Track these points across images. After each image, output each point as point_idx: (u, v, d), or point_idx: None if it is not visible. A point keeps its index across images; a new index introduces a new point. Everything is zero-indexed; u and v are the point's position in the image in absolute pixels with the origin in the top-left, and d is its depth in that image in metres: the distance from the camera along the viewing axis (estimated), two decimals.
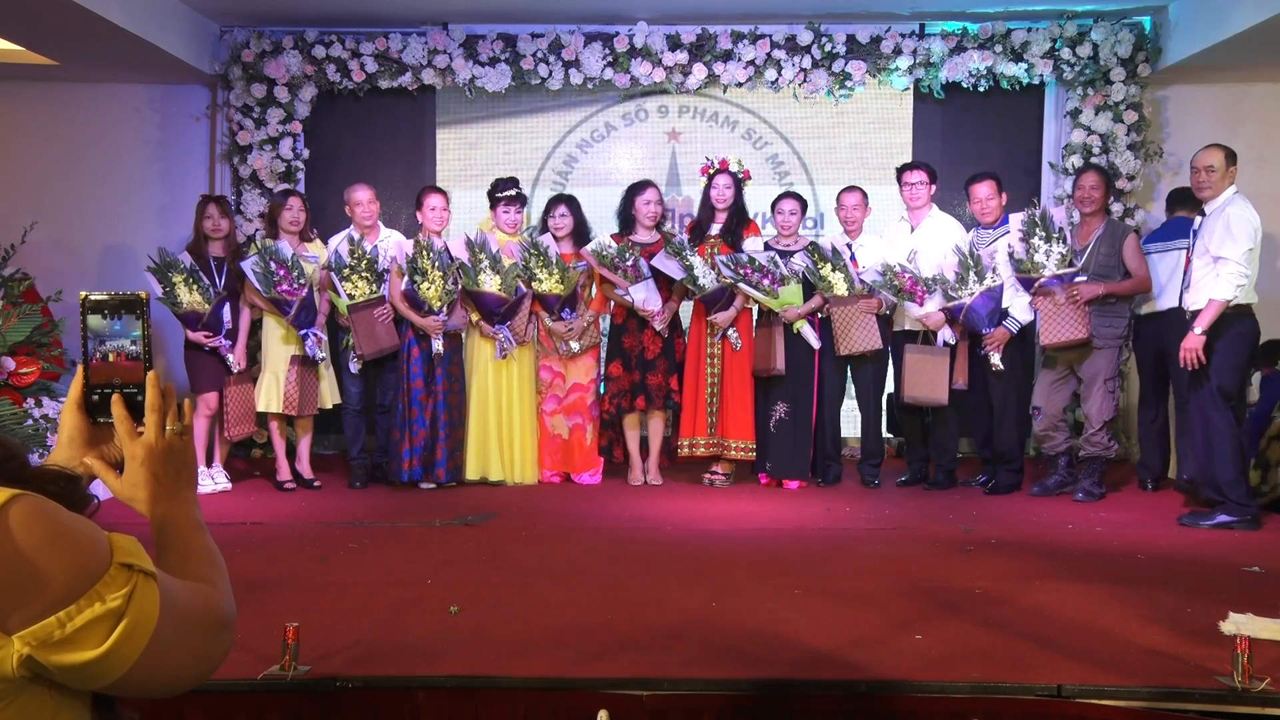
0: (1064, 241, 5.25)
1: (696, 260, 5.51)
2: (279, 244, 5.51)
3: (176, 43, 6.23)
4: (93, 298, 1.20)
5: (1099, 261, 5.35)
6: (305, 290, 5.45)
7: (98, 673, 0.98)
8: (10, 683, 0.96)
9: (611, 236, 5.73)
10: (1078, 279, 5.25)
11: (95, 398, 1.20)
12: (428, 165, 7.06)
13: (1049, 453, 5.57)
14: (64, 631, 0.96)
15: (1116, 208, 6.57)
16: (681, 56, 6.63)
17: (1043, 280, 5.25)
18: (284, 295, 5.40)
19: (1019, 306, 5.39)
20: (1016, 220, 5.41)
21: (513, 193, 5.79)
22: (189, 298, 5.35)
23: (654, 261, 5.58)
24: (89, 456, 1.20)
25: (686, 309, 5.88)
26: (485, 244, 5.59)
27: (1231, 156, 4.84)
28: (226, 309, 5.49)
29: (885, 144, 6.98)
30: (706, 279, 5.50)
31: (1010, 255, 5.34)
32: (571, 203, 5.82)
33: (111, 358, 1.20)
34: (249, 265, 5.41)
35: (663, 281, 5.68)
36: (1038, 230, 5.26)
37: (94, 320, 1.20)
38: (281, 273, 5.40)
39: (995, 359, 5.40)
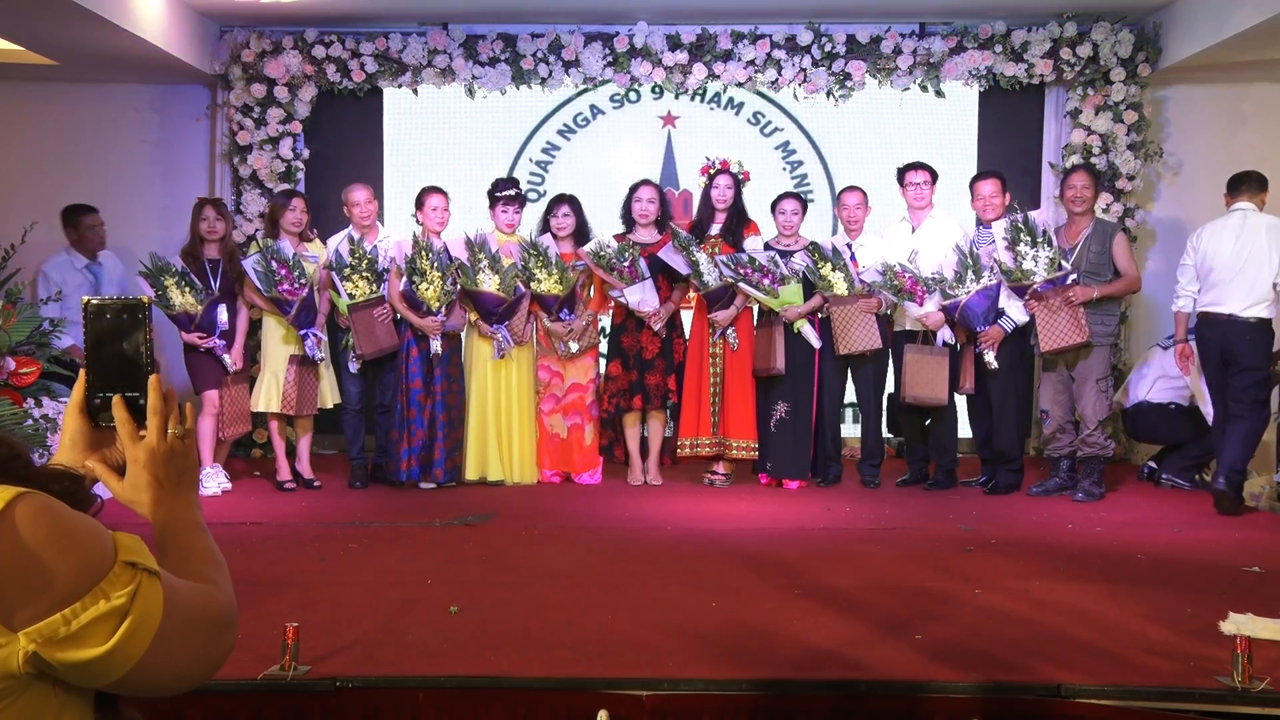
0: (1050, 244, 5.26)
1: (702, 256, 5.51)
2: (280, 243, 5.53)
3: (176, 43, 6.23)
4: (95, 302, 1.21)
5: (1089, 260, 5.36)
6: (305, 290, 5.46)
7: (102, 670, 0.99)
8: (16, 680, 0.97)
9: (614, 236, 5.74)
10: (1069, 279, 5.26)
11: (97, 401, 1.21)
12: (377, 159, 6.93)
13: (1053, 454, 5.57)
14: (69, 629, 0.96)
15: (1117, 208, 6.57)
16: (681, 56, 6.62)
17: (1036, 286, 5.26)
18: (284, 295, 5.40)
19: (1015, 307, 5.38)
20: (1000, 229, 5.41)
21: (511, 193, 5.79)
22: (181, 300, 5.36)
23: (660, 254, 5.58)
24: (91, 460, 1.20)
25: (689, 311, 5.88)
26: (484, 243, 5.60)
27: (1229, 182, 5.40)
28: (221, 310, 5.49)
29: (908, 133, 6.74)
30: (710, 275, 5.50)
31: (999, 266, 5.35)
32: (574, 203, 5.82)
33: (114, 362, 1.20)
34: (250, 264, 5.42)
35: (662, 281, 5.68)
36: (1023, 237, 5.27)
37: (96, 324, 1.20)
38: (283, 272, 5.41)
39: (989, 357, 5.40)
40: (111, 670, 0.99)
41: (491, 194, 5.81)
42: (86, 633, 0.97)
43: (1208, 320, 5.21)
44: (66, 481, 1.07)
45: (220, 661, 1.12)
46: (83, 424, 1.22)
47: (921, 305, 5.52)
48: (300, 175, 6.80)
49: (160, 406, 1.18)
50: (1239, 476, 5.11)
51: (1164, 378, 5.76)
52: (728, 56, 6.65)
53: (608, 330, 5.94)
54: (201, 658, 1.09)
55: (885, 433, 6.01)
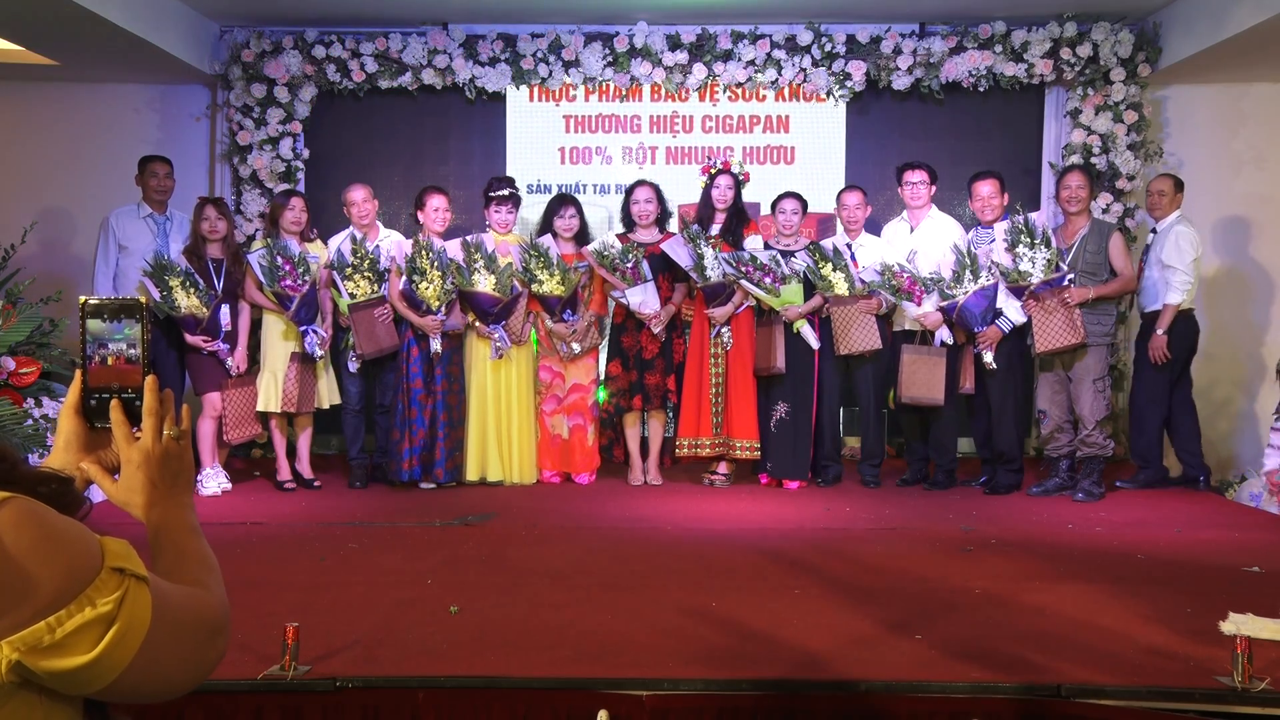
0: (1048, 245, 5.26)
1: (708, 251, 5.51)
2: (286, 241, 5.53)
3: (176, 43, 6.23)
4: (92, 302, 1.21)
5: (1085, 260, 5.37)
6: (308, 287, 5.46)
7: (88, 678, 0.97)
8: None
9: (617, 236, 5.74)
10: (1065, 280, 5.26)
11: (93, 402, 1.20)
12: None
13: (1052, 454, 5.57)
14: (54, 637, 0.94)
15: (1117, 208, 6.57)
16: (681, 56, 6.62)
17: (1032, 287, 5.27)
18: (286, 290, 5.41)
19: (1013, 307, 5.38)
20: (1001, 230, 5.42)
21: (506, 193, 5.78)
22: (187, 301, 5.35)
23: (664, 246, 5.58)
24: (85, 461, 1.20)
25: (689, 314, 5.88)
26: (480, 244, 5.60)
27: (1180, 185, 5.76)
28: (225, 311, 5.49)
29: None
30: (714, 271, 5.50)
31: (997, 266, 5.35)
32: (578, 204, 5.83)
33: (110, 362, 1.20)
34: (255, 257, 5.43)
35: (663, 282, 5.68)
36: (1023, 238, 5.27)
37: (93, 324, 1.20)
38: (287, 268, 5.41)
39: (988, 357, 5.40)
40: (97, 678, 0.97)
41: (486, 194, 5.81)
42: (71, 641, 0.94)
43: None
44: (54, 484, 1.05)
45: (211, 667, 1.10)
46: (78, 425, 1.21)
47: (919, 305, 5.52)
48: (300, 175, 6.80)
49: (156, 408, 1.17)
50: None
51: None
52: (728, 56, 6.64)
53: (608, 333, 5.94)
54: (191, 664, 1.07)
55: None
